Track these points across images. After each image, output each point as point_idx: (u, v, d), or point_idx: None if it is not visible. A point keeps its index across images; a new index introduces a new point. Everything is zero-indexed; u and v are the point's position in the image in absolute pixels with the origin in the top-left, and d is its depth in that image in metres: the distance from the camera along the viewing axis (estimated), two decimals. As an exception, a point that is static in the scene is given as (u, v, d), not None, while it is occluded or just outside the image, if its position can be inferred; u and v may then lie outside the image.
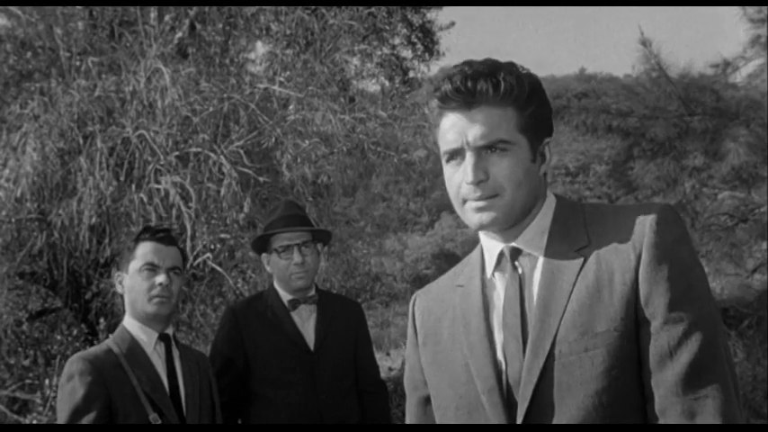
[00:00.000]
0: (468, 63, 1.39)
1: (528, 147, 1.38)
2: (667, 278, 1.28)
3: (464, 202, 1.38)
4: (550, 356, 1.29)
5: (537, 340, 1.31)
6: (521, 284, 1.38)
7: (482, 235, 1.46)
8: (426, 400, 1.54)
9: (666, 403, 1.25)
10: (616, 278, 1.30)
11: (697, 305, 1.28)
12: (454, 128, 1.37)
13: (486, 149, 1.36)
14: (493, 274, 1.44)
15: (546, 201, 1.44)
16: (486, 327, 1.40)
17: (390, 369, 9.07)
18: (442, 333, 1.48)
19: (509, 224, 1.39)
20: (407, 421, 1.59)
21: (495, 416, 1.35)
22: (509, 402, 1.35)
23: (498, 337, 1.38)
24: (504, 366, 1.36)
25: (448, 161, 1.40)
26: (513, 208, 1.37)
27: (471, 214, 1.38)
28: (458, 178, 1.38)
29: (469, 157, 1.36)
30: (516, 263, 1.41)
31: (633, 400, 1.29)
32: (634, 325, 1.28)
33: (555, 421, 1.29)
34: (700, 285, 1.31)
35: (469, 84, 1.35)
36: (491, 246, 1.45)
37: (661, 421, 1.26)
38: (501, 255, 1.42)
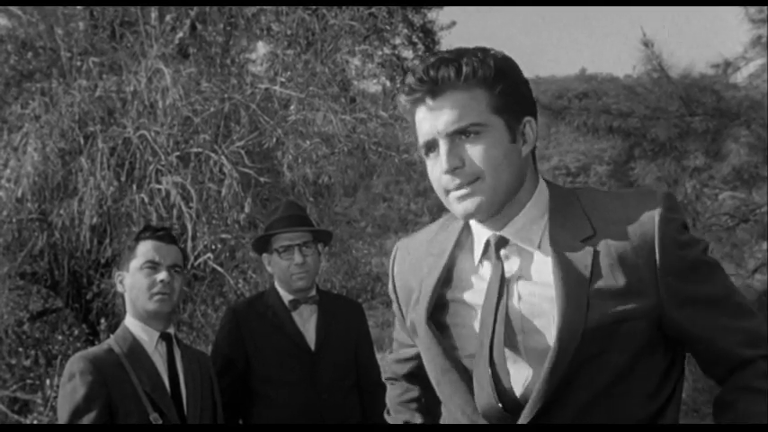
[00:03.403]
0: (434, 53, 1.37)
1: (504, 127, 1.34)
2: (691, 265, 1.31)
3: (447, 192, 1.36)
4: (580, 349, 1.25)
5: (568, 329, 1.26)
6: (502, 276, 1.35)
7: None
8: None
9: (735, 362, 1.31)
10: (631, 274, 1.28)
11: (723, 277, 1.35)
12: (425, 119, 1.35)
13: (460, 135, 1.32)
14: (480, 261, 1.41)
15: (537, 189, 1.40)
16: (429, 304, 1.40)
17: (391, 369, 9.06)
18: (411, 305, 1.48)
19: (496, 208, 1.35)
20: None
21: (457, 393, 1.37)
22: (467, 377, 1.34)
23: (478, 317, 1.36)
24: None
25: (426, 154, 1.38)
26: (497, 191, 1.33)
27: (456, 204, 1.35)
28: (438, 170, 1.35)
29: (443, 145, 1.33)
30: (502, 252, 1.37)
31: (651, 387, 1.30)
32: (656, 316, 1.30)
33: (569, 398, 1.28)
34: (714, 261, 1.36)
35: (432, 72, 1.32)
36: (479, 231, 1.42)
37: (736, 375, 1.32)
38: (488, 243, 1.39)
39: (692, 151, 5.87)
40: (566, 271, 1.30)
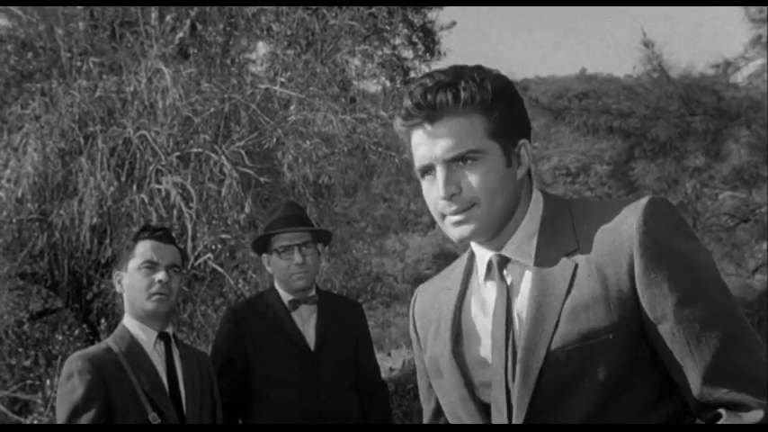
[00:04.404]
0: (430, 74, 1.35)
1: (501, 152, 1.33)
2: (668, 278, 1.23)
3: (442, 216, 1.36)
4: (545, 368, 1.25)
5: (529, 352, 1.27)
6: (508, 296, 1.35)
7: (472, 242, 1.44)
8: (435, 415, 1.54)
9: (703, 403, 1.23)
10: (610, 285, 1.25)
11: (707, 297, 1.24)
12: (422, 144, 1.34)
13: (457, 161, 1.32)
14: (485, 282, 1.41)
15: (532, 202, 1.40)
16: (452, 334, 1.39)
17: (391, 369, 9.08)
18: (431, 338, 1.48)
19: (490, 234, 1.36)
20: None
21: (475, 423, 1.35)
22: (486, 409, 1.34)
23: (486, 343, 1.36)
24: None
25: (422, 176, 1.37)
26: (492, 218, 1.33)
27: (451, 229, 1.35)
28: (434, 193, 1.35)
29: (440, 172, 1.32)
30: (504, 271, 1.37)
31: (638, 404, 1.26)
32: (637, 329, 1.25)
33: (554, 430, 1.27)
34: (705, 275, 1.26)
35: (429, 97, 1.31)
36: (481, 253, 1.42)
37: (704, 417, 1.25)
38: (490, 263, 1.39)
39: (693, 151, 5.87)
40: (540, 289, 1.30)
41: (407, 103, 1.33)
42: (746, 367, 1.22)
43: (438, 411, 1.54)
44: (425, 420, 1.59)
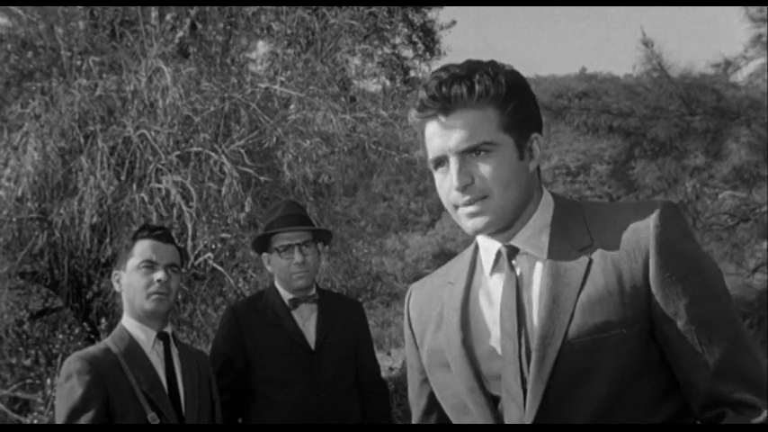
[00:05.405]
0: (445, 68, 1.38)
1: (513, 145, 1.36)
2: (682, 279, 1.28)
3: (456, 207, 1.38)
4: (560, 357, 1.28)
5: (545, 342, 1.29)
6: (518, 285, 1.37)
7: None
8: (426, 412, 1.55)
9: (710, 400, 1.27)
10: (625, 280, 1.29)
11: (717, 300, 1.29)
12: (436, 135, 1.37)
13: (470, 153, 1.34)
14: (491, 274, 1.42)
15: (543, 198, 1.42)
16: (461, 325, 1.40)
17: (391, 369, 9.07)
18: (430, 332, 1.48)
19: (503, 225, 1.38)
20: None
21: (480, 416, 1.35)
22: (494, 401, 1.35)
23: (494, 334, 1.37)
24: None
25: (436, 168, 1.40)
26: (505, 209, 1.36)
27: (465, 220, 1.38)
28: (447, 185, 1.38)
29: (453, 163, 1.35)
30: (513, 262, 1.39)
31: (645, 399, 1.29)
32: (648, 326, 1.28)
33: (565, 421, 1.28)
34: (714, 279, 1.31)
35: (444, 89, 1.33)
36: (488, 245, 1.44)
37: (708, 415, 1.28)
38: (498, 254, 1.41)
39: (693, 151, 5.87)
40: (555, 281, 1.32)
41: (423, 94, 1.36)
42: (752, 368, 1.27)
43: (429, 409, 1.55)
44: (415, 418, 1.59)
